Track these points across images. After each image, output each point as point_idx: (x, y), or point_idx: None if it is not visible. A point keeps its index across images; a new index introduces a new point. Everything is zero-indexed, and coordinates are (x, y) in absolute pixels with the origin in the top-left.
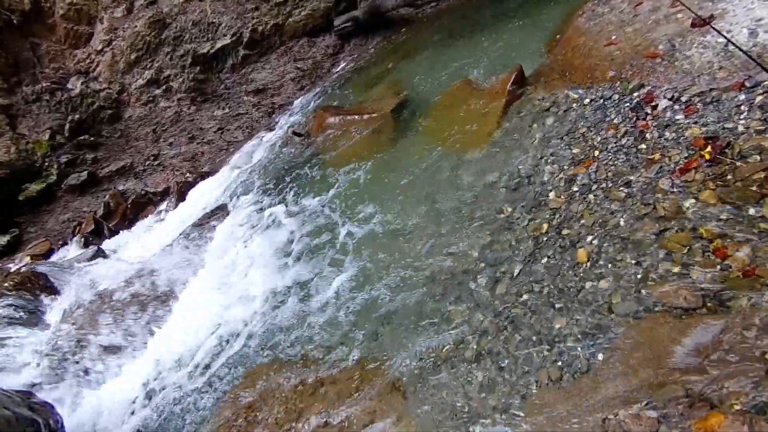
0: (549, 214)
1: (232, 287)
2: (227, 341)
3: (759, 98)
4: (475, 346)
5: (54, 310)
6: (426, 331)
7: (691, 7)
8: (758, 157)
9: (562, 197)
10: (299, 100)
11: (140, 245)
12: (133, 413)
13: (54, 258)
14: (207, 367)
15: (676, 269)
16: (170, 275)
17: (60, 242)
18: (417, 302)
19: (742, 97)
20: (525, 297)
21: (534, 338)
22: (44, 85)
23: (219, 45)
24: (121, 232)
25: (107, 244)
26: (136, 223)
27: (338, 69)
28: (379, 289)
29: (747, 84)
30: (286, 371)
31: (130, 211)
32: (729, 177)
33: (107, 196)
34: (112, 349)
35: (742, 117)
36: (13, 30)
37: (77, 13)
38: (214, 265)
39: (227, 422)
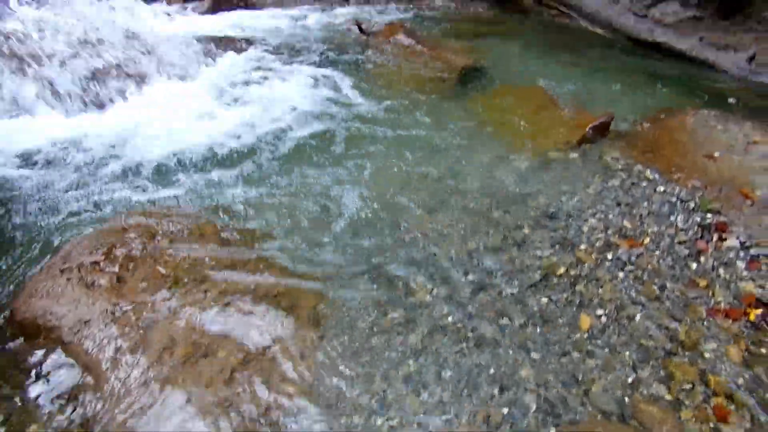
0: (571, 260)
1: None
2: None
3: None
4: (420, 338)
5: None
6: (380, 289)
7: None
8: None
9: (593, 256)
10: (382, 3)
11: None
12: None
13: None
14: None
15: (668, 397)
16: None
17: None
18: (386, 266)
19: None
20: (504, 322)
21: (492, 371)
22: None
23: None
24: None
25: None
26: None
27: (438, 3)
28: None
29: None
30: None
31: None
32: (763, 350)
33: None
34: None
35: None
36: None
37: None
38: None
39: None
